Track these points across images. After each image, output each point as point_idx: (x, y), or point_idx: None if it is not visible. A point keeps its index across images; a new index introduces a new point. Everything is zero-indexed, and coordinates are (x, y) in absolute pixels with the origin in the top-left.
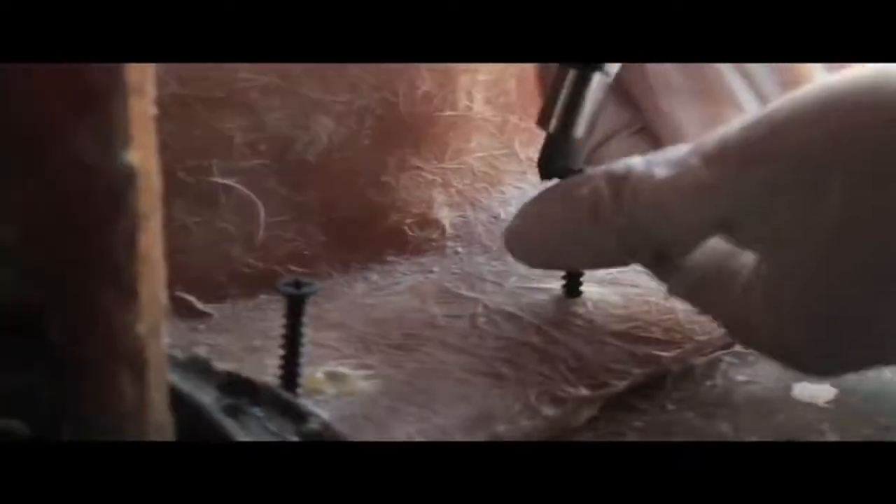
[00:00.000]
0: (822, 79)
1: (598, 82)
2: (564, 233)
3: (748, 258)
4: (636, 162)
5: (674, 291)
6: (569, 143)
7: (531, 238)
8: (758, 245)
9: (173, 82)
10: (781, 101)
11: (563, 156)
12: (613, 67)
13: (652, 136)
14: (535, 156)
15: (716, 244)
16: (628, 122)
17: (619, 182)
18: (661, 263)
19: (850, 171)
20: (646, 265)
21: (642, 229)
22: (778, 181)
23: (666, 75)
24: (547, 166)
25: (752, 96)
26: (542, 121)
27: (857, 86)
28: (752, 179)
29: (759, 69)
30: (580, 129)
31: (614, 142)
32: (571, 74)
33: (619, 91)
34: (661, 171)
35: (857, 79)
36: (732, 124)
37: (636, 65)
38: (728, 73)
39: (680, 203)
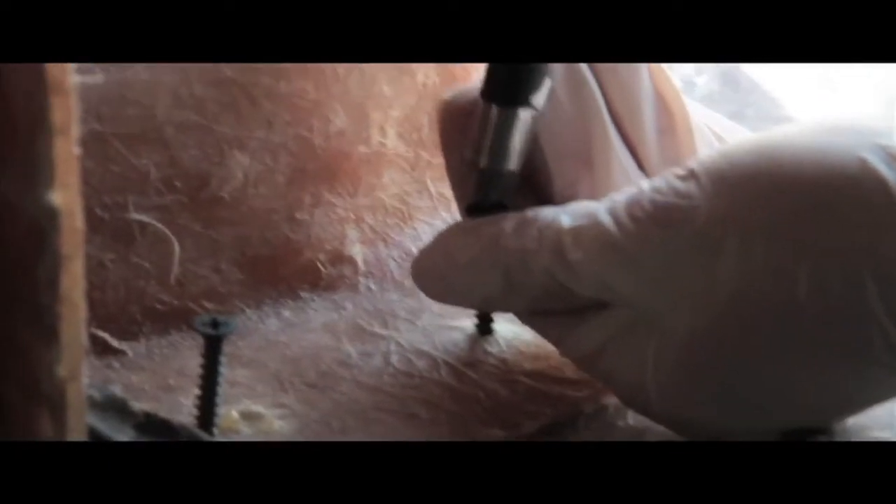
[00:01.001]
0: (716, 144)
1: (525, 117)
2: (461, 265)
3: (644, 327)
4: (545, 209)
5: (569, 353)
6: (502, 176)
7: (431, 268)
8: (653, 308)
9: (91, 118)
10: (686, 166)
11: (496, 190)
12: (540, 100)
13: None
14: (447, 192)
15: (612, 313)
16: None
17: (525, 222)
18: (544, 316)
19: (744, 235)
20: (529, 316)
21: (537, 271)
22: (680, 244)
23: (555, 139)
24: (480, 201)
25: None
26: (474, 156)
27: (752, 154)
28: (658, 240)
29: (642, 124)
30: (513, 162)
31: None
32: (496, 111)
33: None
34: (568, 220)
35: (753, 147)
36: (642, 185)
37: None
38: (613, 134)
39: (582, 253)
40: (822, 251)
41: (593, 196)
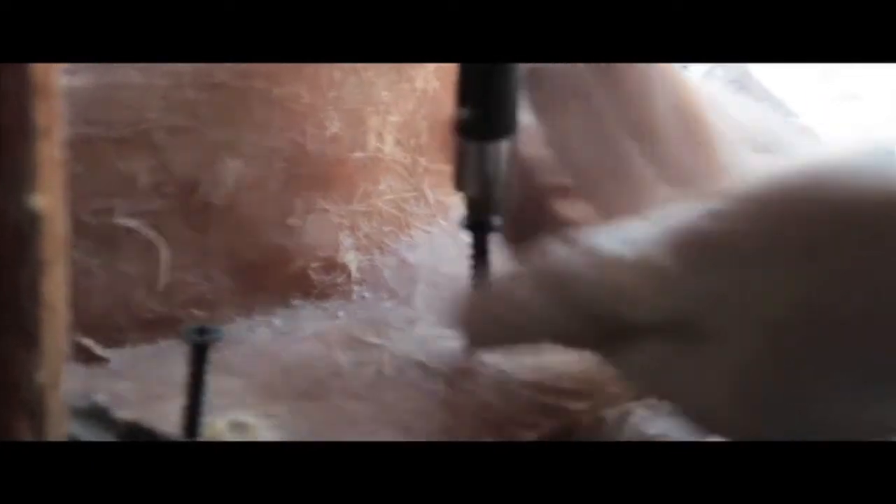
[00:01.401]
0: (742, 152)
1: (501, 147)
2: (520, 306)
3: (698, 349)
4: (591, 232)
5: (628, 377)
6: (490, 200)
7: (481, 315)
8: (709, 331)
9: (80, 122)
10: (730, 193)
11: (486, 213)
12: (514, 127)
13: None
14: (445, 198)
15: (666, 336)
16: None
17: (576, 248)
18: (610, 345)
19: (788, 258)
20: (595, 345)
21: (591, 296)
22: (730, 268)
23: (570, 156)
24: (471, 223)
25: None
26: (459, 186)
27: (795, 177)
28: (707, 268)
29: (661, 135)
30: (497, 190)
31: None
32: (470, 147)
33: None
34: (613, 245)
35: (797, 170)
36: (683, 207)
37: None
38: (632, 147)
39: (629, 279)
40: (866, 274)
41: (614, 209)
